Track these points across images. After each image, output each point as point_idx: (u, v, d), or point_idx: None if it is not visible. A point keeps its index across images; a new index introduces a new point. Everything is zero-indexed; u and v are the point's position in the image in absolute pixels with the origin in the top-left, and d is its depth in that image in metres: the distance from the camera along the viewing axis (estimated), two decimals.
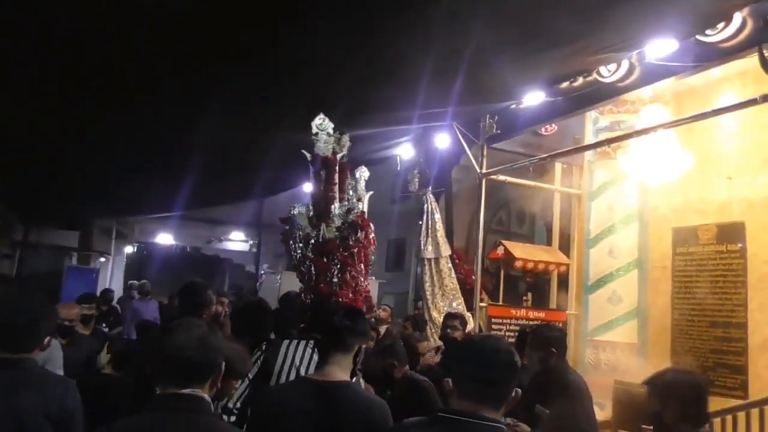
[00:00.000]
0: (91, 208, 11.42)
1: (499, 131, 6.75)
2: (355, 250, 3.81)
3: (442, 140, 7.32)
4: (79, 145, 5.96)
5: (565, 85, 5.64)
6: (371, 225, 3.97)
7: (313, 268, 3.74)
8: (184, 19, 3.28)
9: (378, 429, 2.33)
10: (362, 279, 3.95)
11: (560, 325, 7.16)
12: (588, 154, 7.47)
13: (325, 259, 3.71)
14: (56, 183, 8.03)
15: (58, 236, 12.81)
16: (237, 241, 17.38)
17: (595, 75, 5.39)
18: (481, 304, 7.00)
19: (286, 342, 3.36)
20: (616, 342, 6.96)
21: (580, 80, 5.54)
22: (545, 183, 8.16)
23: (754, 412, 5.13)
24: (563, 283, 8.02)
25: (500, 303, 7.39)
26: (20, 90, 4.35)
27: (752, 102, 4.37)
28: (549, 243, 8.42)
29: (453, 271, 7.00)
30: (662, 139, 6.21)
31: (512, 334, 6.48)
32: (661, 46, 4.63)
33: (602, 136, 6.94)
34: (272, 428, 2.43)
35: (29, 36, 3.42)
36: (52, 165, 6.79)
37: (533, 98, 5.86)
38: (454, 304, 6.70)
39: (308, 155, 3.86)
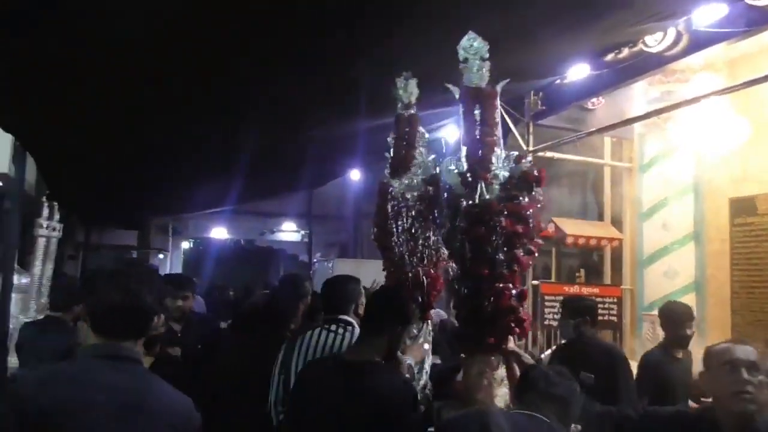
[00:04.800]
0: (148, 209, 11.86)
1: (544, 107, 6.69)
2: (530, 214, 2.66)
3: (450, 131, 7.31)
4: (134, 152, 6.23)
5: (610, 56, 5.54)
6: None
7: (467, 245, 2.63)
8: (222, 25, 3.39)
9: (394, 410, 2.39)
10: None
11: (614, 300, 7.15)
12: (638, 127, 7.32)
13: (483, 229, 2.60)
14: (114, 187, 8.39)
15: (118, 236, 13.42)
16: (289, 231, 17.75)
17: (641, 45, 5.29)
18: (534, 282, 6.99)
19: (309, 332, 3.30)
20: None
21: (626, 51, 5.44)
22: (595, 158, 8.06)
23: None
24: (617, 258, 7.93)
25: (553, 280, 7.37)
26: (76, 100, 4.55)
27: None
28: (601, 219, 8.32)
29: None
30: (715, 108, 6.05)
31: None
32: (709, 12, 4.52)
33: (652, 107, 6.79)
34: (298, 401, 2.57)
35: (84, 44, 3.60)
36: (110, 170, 7.10)
37: (578, 72, 5.79)
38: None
39: (455, 89, 2.88)
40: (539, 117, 6.80)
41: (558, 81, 6.25)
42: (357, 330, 3.15)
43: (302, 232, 17.45)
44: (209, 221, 16.35)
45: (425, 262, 3.51)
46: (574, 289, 7.05)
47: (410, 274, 3.51)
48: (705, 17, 4.63)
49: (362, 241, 15.09)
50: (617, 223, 7.97)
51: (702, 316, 6.80)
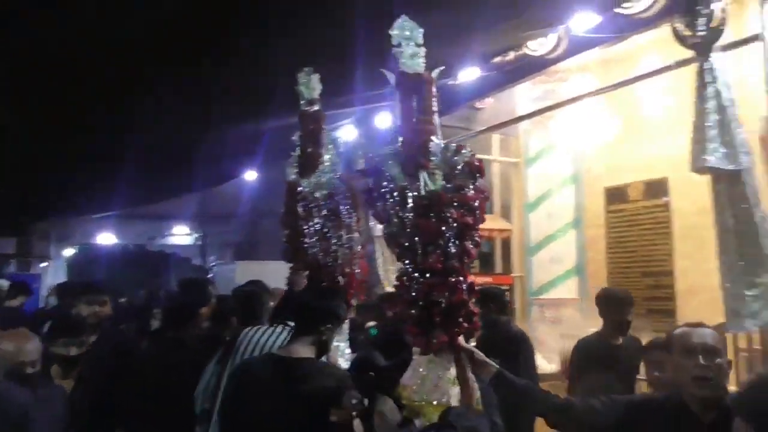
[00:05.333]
0: (29, 212, 11.09)
1: (437, 108, 6.99)
2: (477, 205, 2.58)
3: (383, 120, 7.51)
4: (13, 149, 5.87)
5: (497, 59, 5.93)
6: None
7: (417, 238, 2.51)
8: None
9: (334, 399, 2.48)
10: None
11: (507, 287, 7.62)
12: (523, 124, 7.84)
13: (435, 221, 2.50)
14: None
15: None
16: (181, 235, 17.18)
17: (524, 49, 5.70)
18: None
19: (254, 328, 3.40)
20: (559, 299, 7.44)
21: (512, 55, 5.84)
22: (484, 154, 8.51)
23: None
24: (507, 247, 8.43)
25: None
26: None
27: (668, 68, 4.77)
28: (491, 211, 8.80)
29: None
30: (591, 106, 6.63)
31: None
32: (584, 20, 4.97)
33: (536, 105, 7.31)
34: (235, 397, 2.62)
35: None
36: None
37: (469, 74, 6.14)
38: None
39: (390, 75, 2.76)
40: None
41: (450, 82, 6.57)
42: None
43: (195, 234, 16.97)
44: (96, 227, 15.50)
45: (340, 261, 3.50)
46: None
47: (325, 275, 3.50)
48: (581, 24, 5.08)
49: (259, 242, 14.90)
50: (506, 214, 8.47)
51: (584, 296, 7.42)
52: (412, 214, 2.54)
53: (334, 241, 3.53)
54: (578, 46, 5.37)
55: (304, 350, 2.65)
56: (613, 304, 4.35)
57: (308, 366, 2.58)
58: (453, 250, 2.50)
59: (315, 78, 3.93)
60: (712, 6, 3.83)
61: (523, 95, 7.67)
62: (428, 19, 3.88)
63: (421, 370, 2.45)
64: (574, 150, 7.50)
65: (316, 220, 3.62)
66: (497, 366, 2.56)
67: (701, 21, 3.77)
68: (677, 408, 2.30)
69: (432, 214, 2.50)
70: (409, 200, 2.55)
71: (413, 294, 2.51)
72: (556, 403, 2.56)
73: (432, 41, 4.52)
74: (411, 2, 3.68)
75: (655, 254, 6.83)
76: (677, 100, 6.48)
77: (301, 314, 2.79)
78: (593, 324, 6.69)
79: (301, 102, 3.98)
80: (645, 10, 4.68)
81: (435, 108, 2.76)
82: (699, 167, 3.91)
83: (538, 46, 5.57)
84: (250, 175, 11.98)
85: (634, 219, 7.08)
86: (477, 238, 2.61)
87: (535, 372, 4.80)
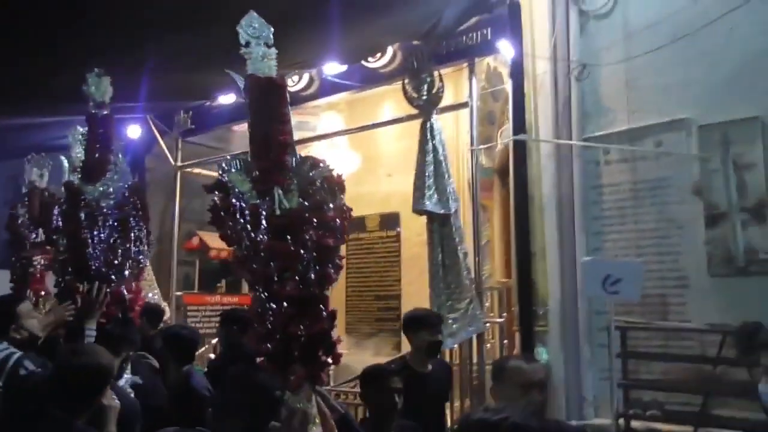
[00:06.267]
0: None
1: (193, 126, 7.01)
2: (338, 224, 2.33)
3: (134, 131, 7.26)
4: None
5: None
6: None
7: (271, 262, 2.22)
8: None
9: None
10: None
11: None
12: None
13: (291, 243, 2.20)
14: None
15: None
16: None
17: None
18: (177, 293, 7.21)
19: None
20: None
21: None
22: None
23: None
24: None
25: (195, 291, 7.69)
26: None
27: (400, 119, 5.50)
28: None
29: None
30: (337, 141, 7.23)
31: (208, 320, 6.95)
32: (335, 67, 5.49)
33: None
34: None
35: None
36: None
37: (226, 98, 6.29)
38: (150, 294, 6.77)
39: (239, 79, 2.50)
40: (188, 134, 7.10)
41: (207, 103, 6.65)
42: None
43: None
44: None
45: (126, 275, 3.36)
46: (215, 299, 7.49)
47: (107, 290, 3.24)
48: (333, 69, 5.60)
49: None
50: None
51: None
52: (265, 236, 2.24)
53: (120, 252, 3.37)
54: (328, 88, 5.90)
55: None
56: (421, 325, 3.70)
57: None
58: (312, 275, 2.21)
59: (106, 80, 3.71)
60: (435, 74, 4.58)
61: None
62: (179, 42, 3.99)
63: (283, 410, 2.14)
64: None
65: (101, 231, 3.37)
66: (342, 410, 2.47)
67: (424, 87, 4.48)
68: None
69: (288, 236, 2.22)
70: (262, 220, 2.25)
71: (269, 326, 2.22)
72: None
73: (187, 63, 4.62)
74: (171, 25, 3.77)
75: (387, 280, 7.65)
76: (409, 144, 7.41)
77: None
78: None
79: (90, 104, 3.72)
80: (384, 66, 5.36)
81: (289, 116, 2.47)
82: (418, 209, 4.60)
83: (292, 83, 5.95)
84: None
85: (371, 248, 7.84)
86: (339, 261, 2.36)
87: None
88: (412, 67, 4.57)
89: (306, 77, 5.94)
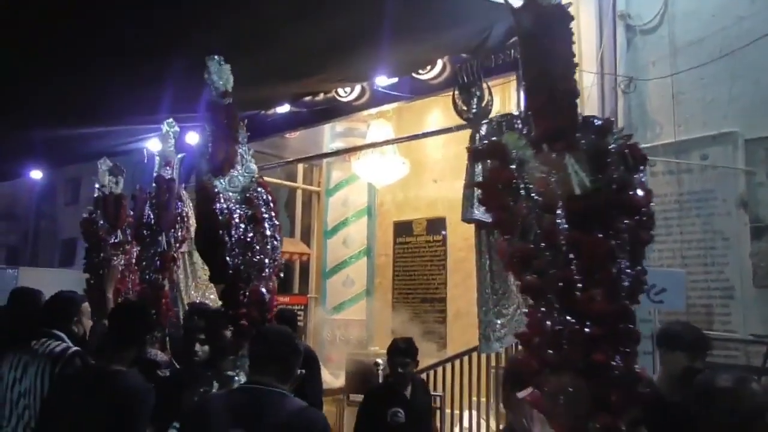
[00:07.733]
0: None
1: (249, 134, 7.31)
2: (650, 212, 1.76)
3: (193, 138, 7.63)
4: None
5: (308, 98, 6.46)
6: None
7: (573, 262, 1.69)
8: None
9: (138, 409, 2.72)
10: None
11: (302, 307, 8.15)
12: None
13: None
14: None
15: None
16: None
17: (333, 93, 6.31)
18: None
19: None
20: (349, 320, 8.13)
21: (322, 96, 6.42)
22: (289, 181, 9.01)
23: (449, 365, 6.56)
24: (305, 270, 8.98)
25: None
26: None
27: (449, 129, 5.67)
28: (293, 235, 9.29)
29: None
30: (386, 148, 7.46)
31: None
32: (385, 79, 5.71)
33: (338, 140, 8.01)
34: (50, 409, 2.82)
35: None
36: None
37: (281, 108, 6.59)
38: (207, 294, 7.12)
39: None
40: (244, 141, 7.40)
41: (262, 112, 6.96)
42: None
43: None
44: None
45: (264, 274, 3.11)
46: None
47: (245, 291, 3.05)
48: (383, 81, 5.83)
49: (38, 246, 13.70)
50: (306, 239, 9.03)
51: (371, 318, 8.20)
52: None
53: (257, 248, 3.10)
54: (379, 99, 6.12)
55: (121, 362, 2.85)
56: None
57: (122, 376, 2.78)
58: (626, 282, 1.78)
59: (226, 68, 3.45)
60: (484, 87, 4.75)
61: (328, 128, 8.32)
62: (240, 61, 4.26)
63: None
64: (370, 185, 8.31)
65: (236, 227, 3.10)
66: None
67: (474, 100, 4.65)
68: None
69: (594, 225, 1.68)
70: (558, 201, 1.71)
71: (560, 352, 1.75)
72: None
73: (244, 79, 4.91)
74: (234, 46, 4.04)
75: (433, 283, 7.85)
76: (456, 151, 7.60)
77: (117, 329, 2.99)
78: (376, 343, 7.48)
79: (213, 92, 3.48)
80: (434, 78, 5.55)
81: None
82: (467, 218, 4.77)
83: (345, 94, 6.21)
84: (36, 174, 11.11)
85: (417, 251, 8.05)
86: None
87: (321, 387, 5.29)
88: (462, 81, 4.75)
89: (358, 88, 6.17)
